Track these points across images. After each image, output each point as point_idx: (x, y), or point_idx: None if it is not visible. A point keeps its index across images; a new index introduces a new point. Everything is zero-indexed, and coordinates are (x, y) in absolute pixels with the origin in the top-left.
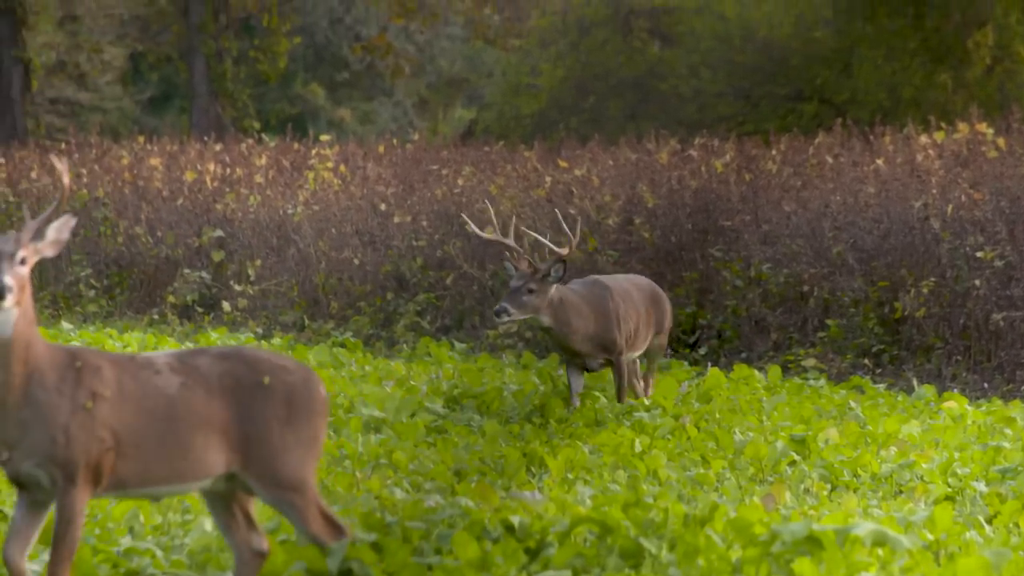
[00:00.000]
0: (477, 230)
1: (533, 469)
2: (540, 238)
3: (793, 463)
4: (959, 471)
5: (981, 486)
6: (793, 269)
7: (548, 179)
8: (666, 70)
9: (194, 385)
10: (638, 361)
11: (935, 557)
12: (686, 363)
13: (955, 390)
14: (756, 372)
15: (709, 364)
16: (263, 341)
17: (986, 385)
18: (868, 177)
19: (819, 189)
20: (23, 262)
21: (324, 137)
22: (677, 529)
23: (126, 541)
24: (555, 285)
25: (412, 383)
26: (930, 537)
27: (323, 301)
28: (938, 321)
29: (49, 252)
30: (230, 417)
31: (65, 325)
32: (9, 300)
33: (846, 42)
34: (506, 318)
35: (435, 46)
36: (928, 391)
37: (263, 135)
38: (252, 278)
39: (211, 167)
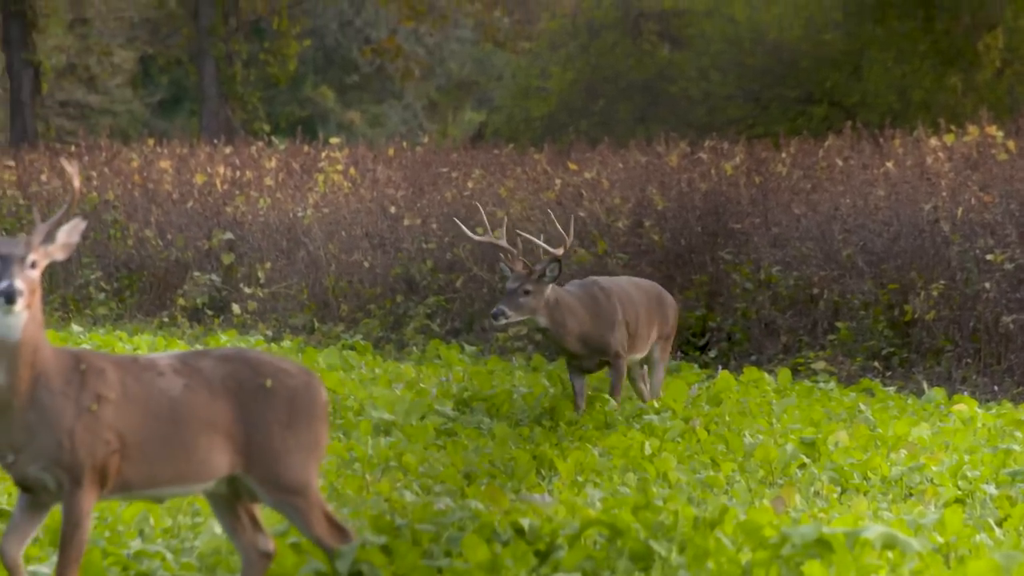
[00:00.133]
0: (469, 232)
1: (543, 472)
2: (534, 239)
3: (803, 466)
4: (969, 474)
5: (991, 489)
6: (803, 272)
7: (558, 182)
8: (676, 73)
9: (197, 387)
10: (650, 360)
11: (945, 560)
12: (696, 366)
13: (965, 393)
14: (766, 375)
15: (719, 367)
16: (273, 344)
17: (996, 388)
18: (878, 180)
19: (829, 192)
20: (33, 266)
21: (334, 140)
22: (687, 532)
23: (136, 544)
24: (551, 286)
25: (422, 386)
26: (940, 540)
27: (333, 304)
28: (948, 324)
29: (59, 255)
30: (233, 419)
31: (75, 328)
32: (19, 304)
33: (856, 45)
34: (503, 320)
35: (445, 49)
36: (938, 394)
37: (273, 138)
38: (262, 281)
39: (221, 170)
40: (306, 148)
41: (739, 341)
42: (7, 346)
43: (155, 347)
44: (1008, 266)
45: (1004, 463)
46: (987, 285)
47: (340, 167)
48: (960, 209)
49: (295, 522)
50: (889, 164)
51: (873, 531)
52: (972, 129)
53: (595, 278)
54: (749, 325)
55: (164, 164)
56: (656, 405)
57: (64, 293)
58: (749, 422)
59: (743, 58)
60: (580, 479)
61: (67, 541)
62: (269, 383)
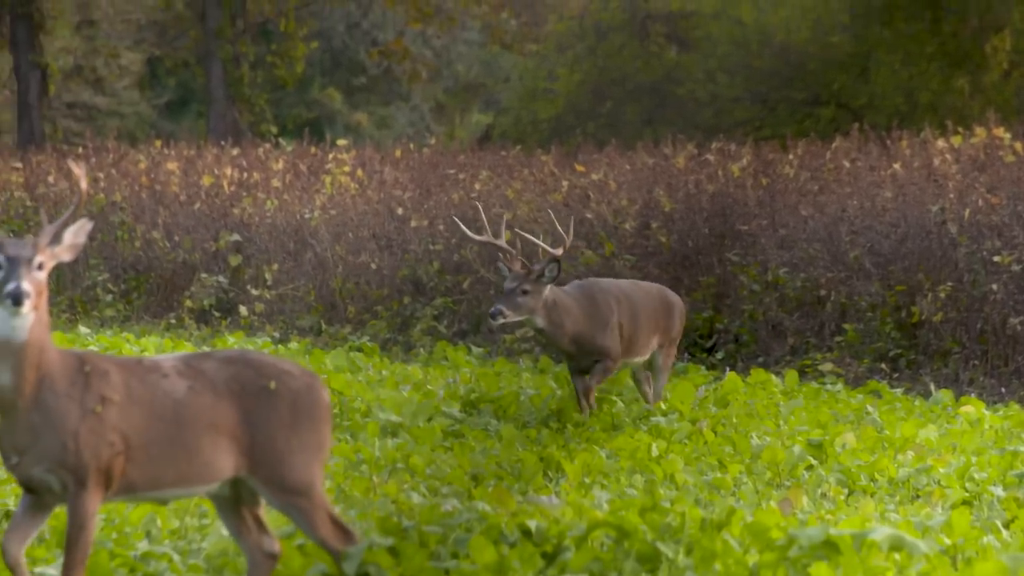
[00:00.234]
0: (469, 232)
1: (550, 473)
2: (534, 239)
3: (810, 467)
4: (976, 475)
5: (998, 490)
6: (810, 273)
7: (565, 184)
8: (683, 75)
9: (201, 389)
10: (653, 364)
11: (952, 562)
12: (703, 367)
13: (972, 394)
14: (773, 376)
15: (726, 368)
16: (280, 346)
17: (1003, 390)
18: (885, 181)
19: (836, 193)
20: (40, 267)
21: (341, 142)
22: (694, 533)
23: (143, 545)
24: (549, 286)
25: (429, 387)
26: (947, 542)
27: (340, 305)
28: (955, 326)
29: (66, 257)
30: (237, 421)
31: (82, 329)
32: (27, 305)
33: (863, 47)
34: (501, 320)
35: (452, 51)
36: (945, 395)
37: (280, 140)
38: (269, 282)
39: (228, 171)
40: (313, 150)
41: (746, 343)
42: (13, 347)
43: (162, 349)
44: (1015, 268)
45: (1011, 465)
46: (994, 287)
47: (347, 169)
48: (967, 211)
49: (299, 524)
50: (896, 166)
51: (880, 533)
52: (979, 131)
53: (596, 279)
54: (756, 327)
55: (171, 166)
56: (663, 407)
57: (71, 295)
58: (756, 424)
59: (750, 60)
60: (587, 481)
61: (72, 543)
62: (272, 385)
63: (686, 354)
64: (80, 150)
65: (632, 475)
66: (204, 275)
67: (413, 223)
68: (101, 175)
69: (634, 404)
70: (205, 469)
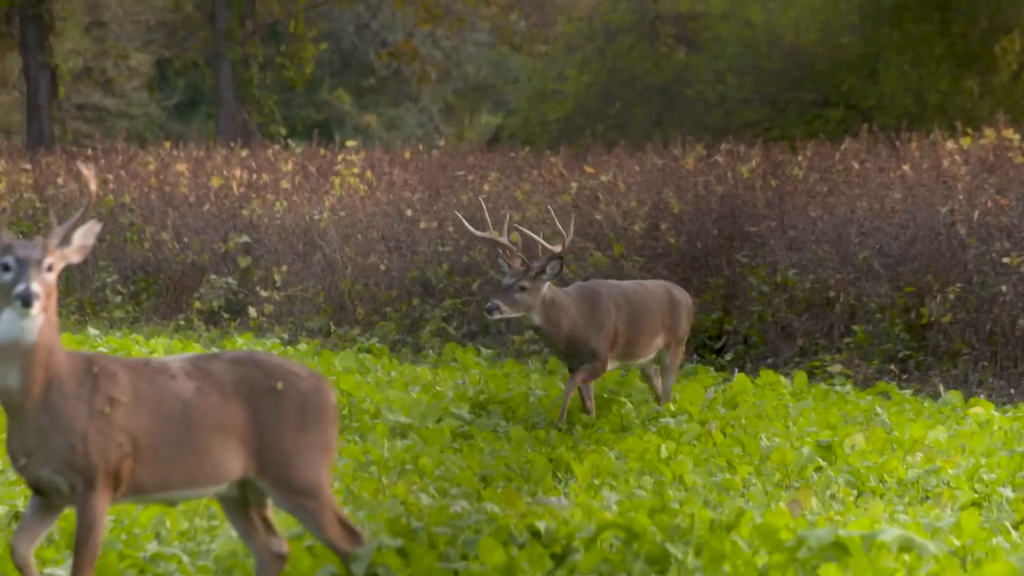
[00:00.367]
0: (471, 228)
1: (559, 475)
2: (534, 236)
3: (819, 469)
4: (985, 477)
5: (1008, 492)
6: (819, 275)
7: (574, 185)
8: (692, 76)
9: (209, 390)
10: (661, 363)
11: (962, 563)
12: (712, 369)
13: (981, 396)
14: (782, 378)
15: (735, 370)
16: (289, 347)
17: (1012, 391)
18: (894, 183)
19: (845, 195)
20: (50, 269)
21: (350, 143)
22: (703, 535)
23: (152, 547)
24: (548, 284)
25: (438, 389)
26: (956, 543)
27: (349, 307)
28: (964, 327)
29: (75, 258)
30: (246, 422)
31: (91, 331)
32: (36, 307)
33: (872, 48)
34: (497, 315)
35: (461, 52)
36: (954, 397)
37: (289, 141)
38: (278, 284)
39: (237, 173)
40: (322, 151)
41: (755, 344)
42: (22, 348)
43: (171, 350)
44: None
45: (1021, 466)
46: (1004, 288)
47: (356, 170)
48: (977, 212)
49: (307, 525)
50: (906, 167)
51: (889, 534)
52: (989, 132)
53: (599, 281)
54: (765, 328)
55: (180, 167)
56: (672, 408)
57: (81, 296)
58: (765, 425)
59: (760, 61)
60: (596, 482)
61: (81, 544)
62: (280, 386)
63: (695, 355)
64: (89, 151)
65: (641, 476)
66: (213, 276)
67: (422, 224)
68: (110, 176)
69: (643, 406)
70: (213, 470)
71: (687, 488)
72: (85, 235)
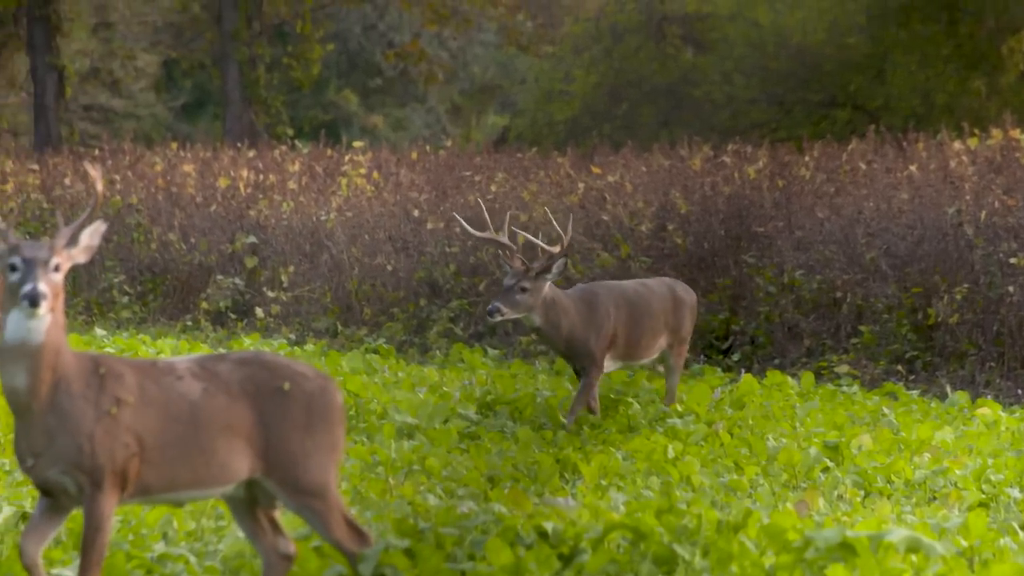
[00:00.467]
0: (470, 228)
1: (566, 475)
2: (531, 238)
3: (826, 469)
4: (993, 477)
5: (1015, 492)
6: (826, 275)
7: (581, 185)
8: (699, 76)
9: (216, 391)
10: (665, 363)
11: (969, 564)
12: (719, 369)
13: (989, 396)
14: (789, 378)
15: (742, 370)
16: (296, 348)
17: (1020, 391)
18: (901, 183)
19: (852, 195)
20: (57, 269)
21: (357, 143)
22: (710, 535)
23: (160, 547)
24: (549, 285)
25: (445, 389)
26: (964, 544)
27: (356, 307)
28: (971, 327)
29: (81, 258)
30: (253, 422)
31: (98, 331)
32: (43, 307)
33: (879, 48)
34: (499, 317)
35: (468, 52)
36: (961, 397)
37: (296, 141)
38: (285, 284)
39: (244, 173)
40: (329, 152)
41: (762, 344)
42: (30, 349)
43: (178, 351)
44: None
45: None
46: (1011, 288)
47: (363, 171)
48: (984, 212)
49: (314, 525)
50: (912, 168)
51: (897, 535)
52: (996, 133)
53: (601, 283)
54: (772, 329)
55: (187, 168)
56: (679, 408)
57: (88, 296)
58: (772, 426)
59: (766, 62)
60: (603, 483)
61: (88, 544)
62: (287, 386)
63: (702, 356)
64: (96, 152)
65: (648, 477)
66: (220, 277)
67: (429, 225)
68: (117, 177)
69: (650, 406)
70: (221, 471)
71: (694, 489)
72: (91, 236)
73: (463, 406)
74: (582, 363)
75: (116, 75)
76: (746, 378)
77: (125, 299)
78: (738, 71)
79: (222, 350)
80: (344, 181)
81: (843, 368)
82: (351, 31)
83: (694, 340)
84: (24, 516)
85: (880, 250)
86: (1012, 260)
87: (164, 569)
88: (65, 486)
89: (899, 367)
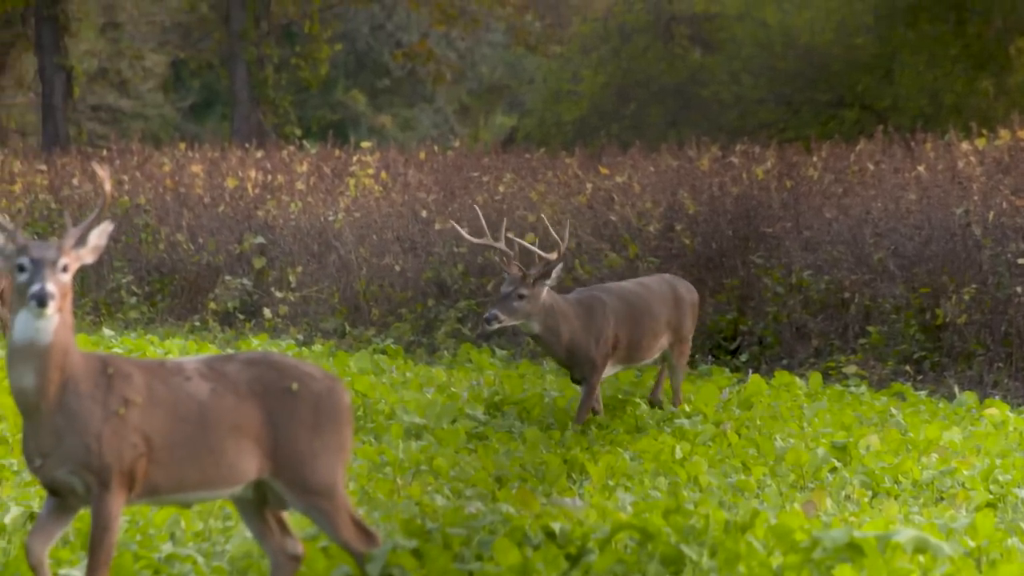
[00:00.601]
0: (466, 235)
1: (574, 475)
2: (528, 245)
3: (834, 470)
4: (1001, 478)
5: (1023, 493)
6: (834, 276)
7: (589, 186)
8: (707, 76)
9: (224, 391)
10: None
11: (977, 564)
12: (727, 370)
13: (996, 397)
14: (797, 379)
15: (750, 371)
16: (304, 348)
17: None
18: (909, 184)
19: (860, 196)
20: (65, 269)
21: (365, 144)
22: (718, 536)
23: (167, 547)
24: (547, 291)
25: (453, 389)
26: (972, 544)
27: (364, 308)
28: (979, 328)
29: (89, 259)
30: (261, 423)
31: (106, 332)
32: (51, 307)
33: (887, 48)
34: (496, 324)
35: (476, 53)
36: (969, 398)
37: (304, 142)
38: (293, 285)
39: (252, 174)
40: (337, 152)
41: (770, 345)
42: (38, 349)
43: (186, 351)
44: None
45: None
46: (1019, 289)
47: (371, 171)
48: (992, 213)
49: (322, 526)
50: (920, 168)
51: (904, 535)
52: (1004, 133)
53: (599, 286)
54: (780, 329)
55: (195, 168)
56: (687, 409)
57: (96, 297)
58: (780, 426)
59: (775, 62)
60: (611, 483)
61: (96, 544)
62: (295, 387)
63: (710, 356)
64: (104, 152)
65: (656, 477)
66: (228, 277)
67: (437, 225)
68: (125, 177)
69: (657, 406)
70: (228, 471)
71: (702, 489)
72: (98, 236)
73: (471, 406)
74: (583, 371)
75: (124, 75)
76: (754, 378)
77: (133, 299)
78: (746, 71)
79: (230, 350)
80: (352, 181)
81: (851, 368)
82: (359, 31)
83: (702, 340)
84: (32, 516)
85: (888, 250)
86: (1020, 260)
87: (172, 569)
88: (73, 486)
89: (907, 367)
